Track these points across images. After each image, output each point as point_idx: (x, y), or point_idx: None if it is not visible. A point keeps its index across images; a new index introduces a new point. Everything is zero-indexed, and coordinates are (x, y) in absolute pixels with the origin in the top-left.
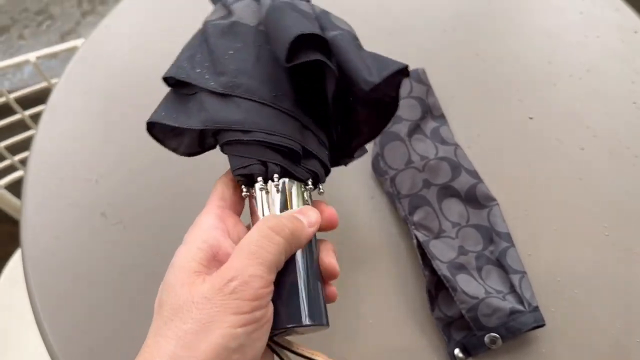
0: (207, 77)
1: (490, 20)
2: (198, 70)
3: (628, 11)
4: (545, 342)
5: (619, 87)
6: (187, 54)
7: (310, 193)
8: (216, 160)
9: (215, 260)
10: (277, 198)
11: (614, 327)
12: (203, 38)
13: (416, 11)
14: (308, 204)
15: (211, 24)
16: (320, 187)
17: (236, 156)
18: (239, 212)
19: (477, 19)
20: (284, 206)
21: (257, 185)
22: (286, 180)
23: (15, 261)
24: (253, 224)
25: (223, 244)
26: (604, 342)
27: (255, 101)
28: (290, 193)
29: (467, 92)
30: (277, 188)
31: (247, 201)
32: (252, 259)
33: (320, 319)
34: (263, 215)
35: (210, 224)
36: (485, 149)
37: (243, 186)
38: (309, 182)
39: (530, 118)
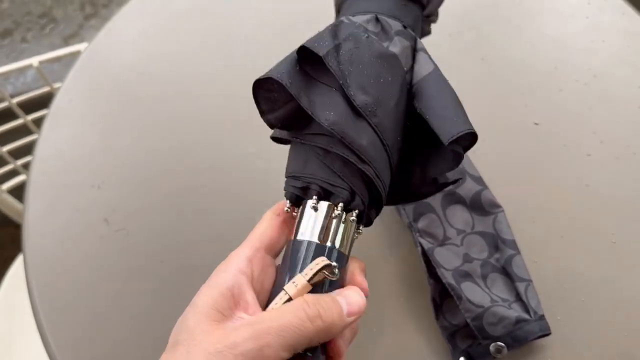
0: (348, 81)
1: (496, 25)
2: (342, 67)
3: (634, 15)
4: (552, 351)
5: (626, 92)
6: (331, 41)
7: (355, 232)
8: (219, 167)
9: (237, 307)
10: (320, 222)
11: (621, 335)
12: (354, 39)
13: None
14: (349, 242)
15: (366, 35)
16: (361, 228)
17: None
18: (276, 253)
19: (483, 24)
20: (324, 233)
21: (310, 202)
22: (343, 212)
23: (17, 265)
24: (292, 238)
25: (245, 293)
26: (611, 351)
27: (380, 139)
28: (338, 225)
29: (472, 97)
30: (334, 214)
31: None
32: (277, 334)
33: None
34: (297, 233)
35: (237, 268)
36: (492, 154)
37: (288, 201)
38: (360, 224)
39: (536, 124)
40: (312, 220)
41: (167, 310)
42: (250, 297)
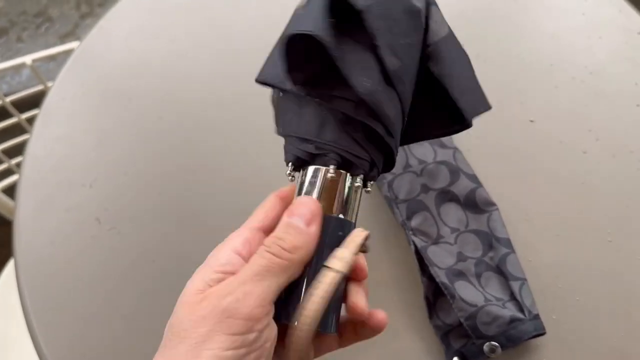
0: (381, 42)
1: (491, 21)
2: (375, 24)
3: (631, 12)
4: (547, 350)
5: (623, 90)
6: None
7: (360, 192)
8: (211, 166)
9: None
10: (319, 187)
11: (616, 335)
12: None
13: None
14: (357, 210)
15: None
16: (369, 185)
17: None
18: None
19: (479, 21)
20: (343, 206)
21: (311, 168)
22: (342, 172)
23: (13, 265)
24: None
25: (237, 271)
26: (606, 350)
27: (402, 109)
28: (356, 197)
29: None
30: (354, 186)
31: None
32: (253, 276)
33: (325, 328)
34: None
35: (232, 248)
36: (487, 152)
37: (291, 165)
38: (359, 180)
39: (532, 121)
40: (330, 191)
41: (158, 309)
42: (238, 261)
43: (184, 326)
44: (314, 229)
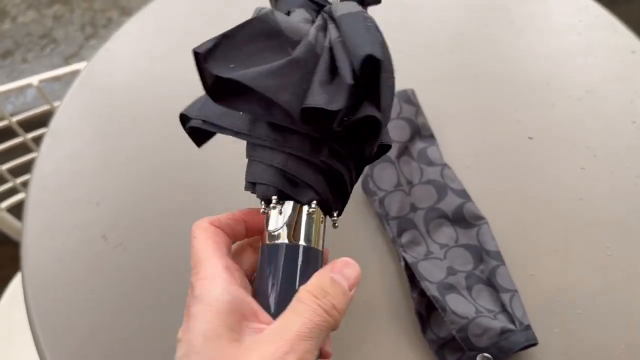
0: None
1: (488, 42)
2: None
3: (626, 32)
4: None
5: (619, 107)
6: None
7: (324, 224)
8: (216, 185)
9: (245, 320)
10: (281, 220)
11: (618, 348)
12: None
13: (415, 34)
14: (320, 236)
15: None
16: (335, 215)
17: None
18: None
19: (476, 41)
20: (293, 231)
21: (272, 205)
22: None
23: (16, 284)
24: (262, 243)
25: (247, 301)
26: None
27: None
28: (299, 218)
29: (466, 112)
30: (279, 210)
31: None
32: (309, 337)
33: None
34: (267, 234)
35: (223, 278)
36: (485, 169)
37: (263, 203)
38: (313, 205)
39: (530, 138)
40: (278, 221)
41: (165, 326)
42: (253, 303)
43: None
44: (352, 294)
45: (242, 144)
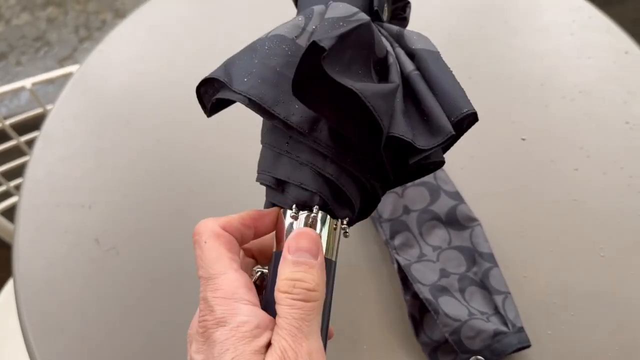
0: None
1: (482, 43)
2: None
3: (619, 32)
4: None
5: (612, 108)
6: None
7: (339, 234)
8: (209, 188)
9: (265, 332)
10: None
11: (611, 349)
12: None
13: None
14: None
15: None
16: (347, 230)
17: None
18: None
19: (469, 42)
20: None
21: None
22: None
23: (10, 287)
24: (278, 249)
25: (270, 324)
26: None
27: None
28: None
29: None
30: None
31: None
32: (301, 336)
33: None
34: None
35: (250, 301)
36: (479, 170)
37: (295, 206)
38: (344, 222)
39: (523, 139)
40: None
41: (158, 329)
42: (272, 322)
43: None
44: (321, 259)
45: (238, 148)
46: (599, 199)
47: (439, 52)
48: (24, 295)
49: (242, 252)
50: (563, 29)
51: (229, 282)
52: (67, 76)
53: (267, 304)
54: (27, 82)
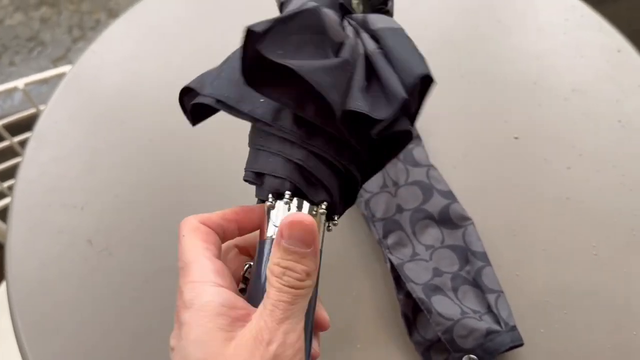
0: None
1: (476, 42)
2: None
3: (611, 31)
4: None
5: (604, 106)
6: None
7: (325, 226)
8: (202, 188)
9: (238, 321)
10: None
11: (604, 347)
12: None
13: None
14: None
15: None
16: (335, 218)
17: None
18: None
19: (462, 41)
20: None
21: (284, 200)
22: (302, 200)
23: (3, 288)
24: (261, 238)
25: (239, 304)
26: None
27: None
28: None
29: (452, 113)
30: (289, 206)
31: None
32: (282, 317)
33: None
34: (269, 228)
35: (216, 283)
36: (471, 169)
37: (271, 196)
38: (322, 207)
39: (516, 138)
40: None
41: (151, 330)
42: (245, 304)
43: None
44: (315, 247)
45: (232, 148)
46: (592, 198)
47: (401, 28)
48: (17, 296)
49: (235, 250)
50: (556, 28)
51: (198, 267)
52: (60, 76)
53: (253, 290)
54: (21, 83)
